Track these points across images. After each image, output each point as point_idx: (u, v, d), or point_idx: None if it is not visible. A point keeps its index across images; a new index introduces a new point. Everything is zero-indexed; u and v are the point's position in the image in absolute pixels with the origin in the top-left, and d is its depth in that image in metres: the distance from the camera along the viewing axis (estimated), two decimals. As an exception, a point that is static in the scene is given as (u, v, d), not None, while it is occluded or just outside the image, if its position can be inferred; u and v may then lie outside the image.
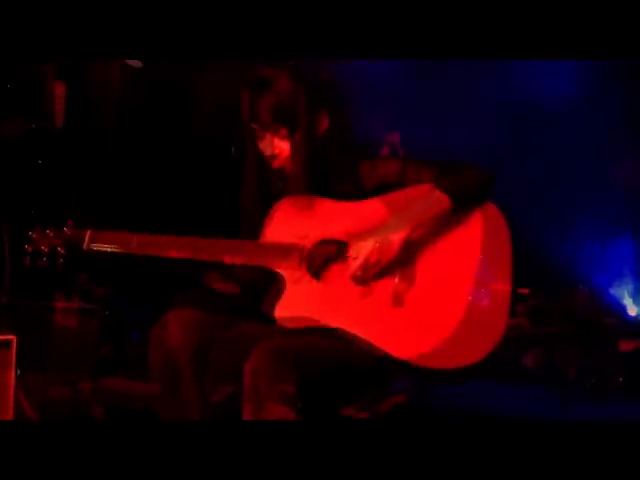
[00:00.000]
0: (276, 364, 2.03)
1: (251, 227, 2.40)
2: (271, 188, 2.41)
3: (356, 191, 2.35)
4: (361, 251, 2.20)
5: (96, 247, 2.33)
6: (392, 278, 2.23)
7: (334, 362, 2.17)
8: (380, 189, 2.35)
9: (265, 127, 2.30)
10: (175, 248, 2.30)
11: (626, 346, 3.94)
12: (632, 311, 4.73)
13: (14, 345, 2.90)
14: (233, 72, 2.58)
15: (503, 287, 2.21)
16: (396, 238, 2.20)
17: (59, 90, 4.20)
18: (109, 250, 2.32)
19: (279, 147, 2.32)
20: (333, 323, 2.20)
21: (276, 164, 2.34)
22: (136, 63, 4.28)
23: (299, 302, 2.23)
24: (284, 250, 2.27)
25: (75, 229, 2.36)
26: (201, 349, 2.20)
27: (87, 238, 2.34)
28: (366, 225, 2.27)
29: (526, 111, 4.72)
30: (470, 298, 2.19)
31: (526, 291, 3.30)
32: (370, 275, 2.21)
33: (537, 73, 4.62)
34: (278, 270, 2.27)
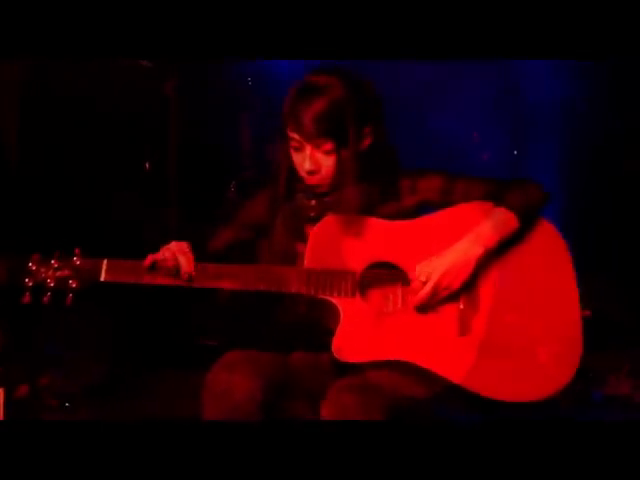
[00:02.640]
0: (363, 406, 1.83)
1: (279, 250, 2.16)
2: (303, 208, 2.18)
3: (397, 210, 2.16)
4: (431, 275, 2.01)
5: (115, 278, 2.01)
6: (457, 304, 2.06)
7: (411, 398, 1.97)
8: (422, 207, 2.18)
9: (308, 138, 2.05)
10: (207, 277, 2.02)
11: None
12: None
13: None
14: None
15: (573, 312, 2.08)
16: (470, 261, 2.03)
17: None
18: (130, 282, 2.01)
19: (319, 162, 2.08)
20: (398, 356, 2.00)
21: (313, 181, 2.10)
22: None
23: (358, 334, 2.01)
24: (335, 276, 2.04)
25: (87, 258, 2.03)
26: (268, 394, 1.96)
27: (104, 268, 2.01)
28: (420, 246, 2.08)
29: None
30: (540, 325, 2.05)
31: (587, 313, 3.21)
32: (436, 301, 2.03)
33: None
34: (330, 298, 2.04)
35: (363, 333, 2.01)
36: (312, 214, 2.17)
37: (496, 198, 2.09)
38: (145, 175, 4.32)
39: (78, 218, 3.83)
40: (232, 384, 1.94)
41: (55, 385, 3.39)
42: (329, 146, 2.05)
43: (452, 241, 2.06)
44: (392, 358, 2.00)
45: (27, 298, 2.00)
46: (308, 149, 2.06)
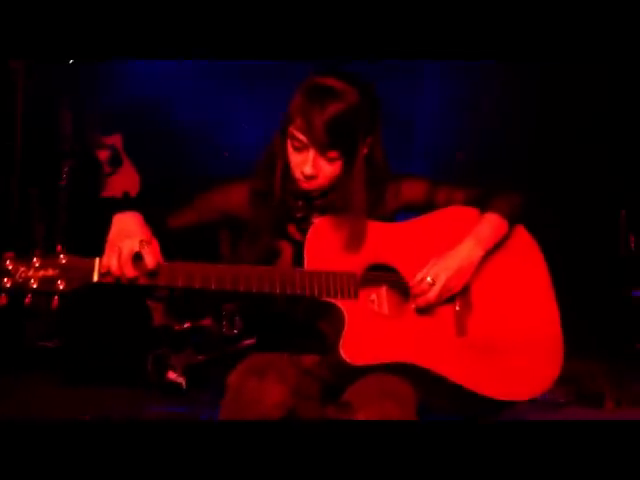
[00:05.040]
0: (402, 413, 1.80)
1: (261, 246, 2.07)
2: (289, 208, 2.10)
3: (382, 213, 2.14)
4: (439, 277, 2.00)
5: (109, 279, 1.83)
6: (453, 305, 2.07)
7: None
8: (404, 210, 2.18)
9: (315, 142, 1.97)
10: (209, 278, 1.89)
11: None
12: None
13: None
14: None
15: (552, 309, 2.15)
16: (473, 263, 2.04)
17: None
18: (128, 282, 1.83)
19: (320, 168, 2.00)
20: (403, 358, 1.97)
21: (310, 185, 2.03)
22: None
23: (363, 336, 1.96)
24: (336, 278, 1.98)
25: (75, 256, 1.83)
26: (294, 399, 1.91)
27: (97, 268, 1.82)
28: (415, 248, 2.08)
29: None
30: (526, 323, 2.10)
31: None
32: (439, 302, 2.03)
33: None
34: (333, 301, 1.97)
35: (368, 336, 1.96)
36: (298, 215, 2.11)
37: (481, 204, 2.13)
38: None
39: None
40: (263, 391, 1.85)
41: None
42: (334, 154, 1.99)
43: (445, 243, 2.08)
44: (397, 360, 1.97)
45: (3, 299, 1.77)
46: (312, 153, 1.99)
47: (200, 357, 4.06)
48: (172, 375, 3.74)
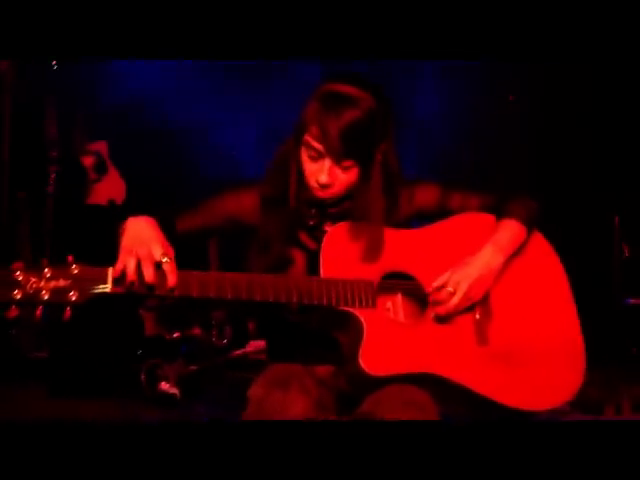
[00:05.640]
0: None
1: (273, 254, 2.02)
2: (302, 216, 2.05)
3: (397, 219, 2.09)
4: (460, 285, 1.95)
5: (123, 287, 1.76)
6: (473, 314, 2.02)
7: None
8: (417, 216, 2.13)
9: (331, 151, 1.91)
10: (225, 287, 1.82)
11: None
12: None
13: None
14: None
15: (572, 315, 2.11)
16: (493, 271, 2.00)
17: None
18: (144, 291, 1.77)
19: (335, 176, 1.95)
20: (424, 368, 1.92)
21: (325, 194, 1.98)
22: None
23: (384, 346, 1.90)
24: (354, 286, 1.93)
25: (87, 266, 1.75)
26: (316, 410, 1.86)
27: (110, 277, 1.75)
28: (432, 255, 2.03)
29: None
30: (547, 332, 2.06)
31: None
32: (459, 311, 1.98)
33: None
34: (352, 310, 1.92)
35: (388, 346, 1.91)
36: (311, 222, 2.06)
37: (496, 210, 2.09)
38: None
39: None
40: (287, 403, 1.80)
41: None
42: (350, 162, 1.94)
43: (462, 250, 2.04)
44: (419, 371, 1.92)
45: (14, 312, 1.69)
46: (328, 162, 1.93)
47: (192, 367, 3.99)
48: (165, 386, 3.66)
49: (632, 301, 4.06)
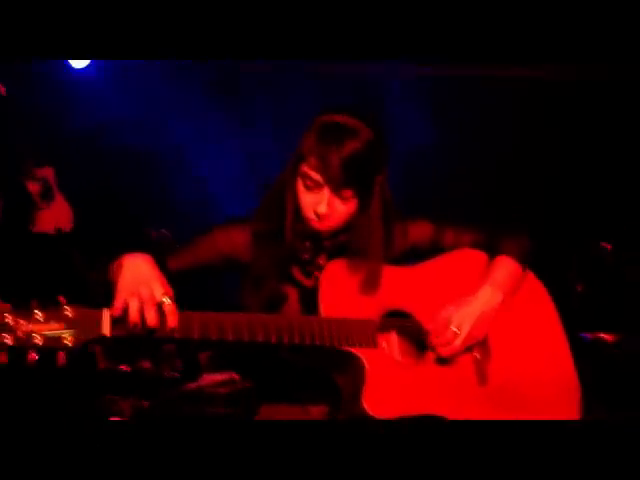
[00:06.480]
0: None
1: (265, 291, 1.96)
2: (296, 250, 1.99)
3: (392, 254, 2.05)
4: (462, 325, 1.91)
5: (122, 329, 1.66)
6: (472, 353, 1.98)
7: None
8: (410, 253, 2.09)
9: (331, 181, 1.87)
10: (225, 328, 1.74)
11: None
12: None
13: None
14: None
15: (565, 353, 2.09)
16: (494, 309, 1.96)
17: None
18: (144, 333, 1.67)
19: (334, 207, 1.90)
20: (427, 410, 1.87)
21: (322, 226, 1.93)
22: None
23: (386, 388, 1.85)
24: (355, 325, 1.87)
25: (81, 307, 1.65)
26: None
27: (106, 319, 1.65)
28: (428, 293, 1.99)
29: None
30: (542, 369, 2.04)
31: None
32: (462, 350, 1.94)
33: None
34: (353, 350, 1.86)
35: (391, 387, 1.86)
36: (305, 256, 2.00)
37: (489, 247, 2.07)
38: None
39: None
40: None
41: None
42: (349, 192, 1.90)
43: (457, 288, 2.01)
44: (422, 412, 1.86)
45: (2, 358, 1.57)
46: (327, 192, 1.89)
47: (144, 403, 3.85)
48: (120, 423, 3.51)
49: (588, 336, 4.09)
